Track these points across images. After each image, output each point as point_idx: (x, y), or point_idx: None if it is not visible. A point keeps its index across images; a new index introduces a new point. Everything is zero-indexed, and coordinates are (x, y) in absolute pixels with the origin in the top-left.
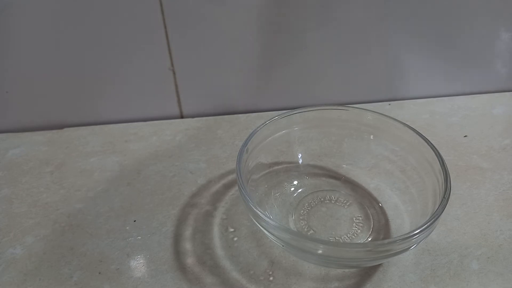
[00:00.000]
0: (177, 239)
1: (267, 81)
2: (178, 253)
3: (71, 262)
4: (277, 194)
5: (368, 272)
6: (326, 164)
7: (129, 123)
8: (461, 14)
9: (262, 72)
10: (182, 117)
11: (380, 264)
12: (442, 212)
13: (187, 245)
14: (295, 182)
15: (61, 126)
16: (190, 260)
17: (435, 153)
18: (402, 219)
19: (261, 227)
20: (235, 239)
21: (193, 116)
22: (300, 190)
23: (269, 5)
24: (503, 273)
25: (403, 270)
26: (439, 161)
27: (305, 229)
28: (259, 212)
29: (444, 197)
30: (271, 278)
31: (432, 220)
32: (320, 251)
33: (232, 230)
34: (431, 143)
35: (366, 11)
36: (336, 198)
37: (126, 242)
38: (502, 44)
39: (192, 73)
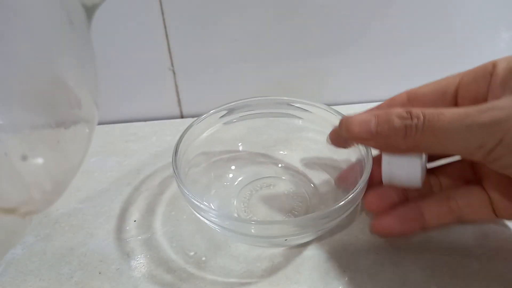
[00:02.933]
0: (177, 239)
1: (267, 81)
2: (178, 253)
3: (71, 262)
4: (219, 184)
5: (368, 272)
6: (266, 152)
7: (129, 123)
8: (462, 13)
9: (262, 72)
10: (182, 117)
11: (380, 264)
12: (365, 186)
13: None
14: (236, 172)
15: None
16: (190, 260)
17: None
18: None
19: (201, 217)
20: None
21: (193, 116)
22: (240, 179)
23: (269, 6)
24: (503, 273)
25: (402, 270)
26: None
27: (248, 216)
28: (197, 202)
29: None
30: None
31: (352, 194)
32: (252, 231)
33: None
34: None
35: (365, 10)
36: (276, 184)
37: (126, 242)
38: (502, 43)
39: (192, 73)
